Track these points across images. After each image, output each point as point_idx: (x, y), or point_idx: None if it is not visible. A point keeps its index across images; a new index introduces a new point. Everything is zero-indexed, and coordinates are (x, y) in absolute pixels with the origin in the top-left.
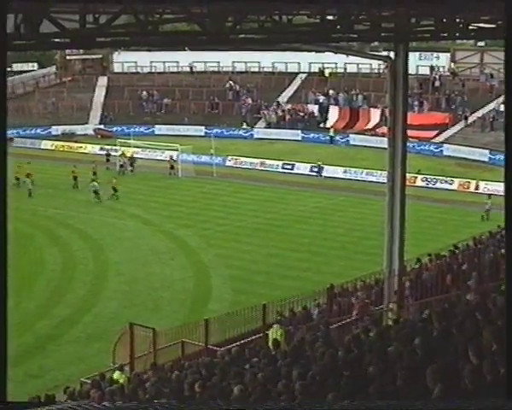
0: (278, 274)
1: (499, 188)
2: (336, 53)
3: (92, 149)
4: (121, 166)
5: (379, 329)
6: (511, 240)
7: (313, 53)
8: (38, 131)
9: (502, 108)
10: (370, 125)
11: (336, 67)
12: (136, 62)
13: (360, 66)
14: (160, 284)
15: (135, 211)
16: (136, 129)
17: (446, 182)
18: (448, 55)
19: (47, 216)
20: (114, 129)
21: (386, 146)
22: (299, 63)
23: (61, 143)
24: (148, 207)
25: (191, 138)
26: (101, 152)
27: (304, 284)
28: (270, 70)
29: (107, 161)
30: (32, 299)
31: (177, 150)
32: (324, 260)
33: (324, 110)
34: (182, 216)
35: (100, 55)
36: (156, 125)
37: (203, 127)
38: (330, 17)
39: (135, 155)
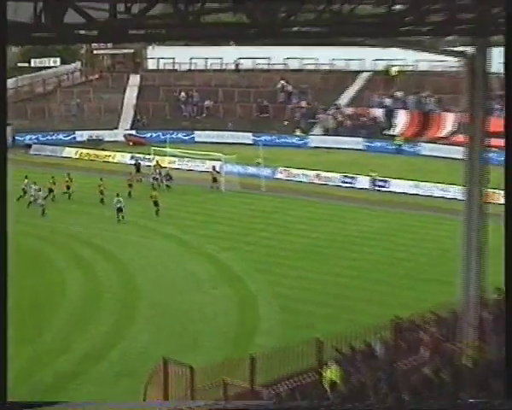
0: (335, 305)
1: None
2: (405, 48)
3: (122, 158)
4: (155, 178)
5: (453, 370)
6: (511, 240)
7: (378, 48)
8: (60, 136)
9: None
10: (444, 133)
11: (405, 65)
12: (173, 58)
13: (433, 63)
14: (198, 314)
15: (170, 230)
16: (173, 135)
17: None
18: None
19: (69, 234)
20: (148, 135)
21: (462, 157)
22: (361, 60)
23: (87, 150)
24: (186, 225)
25: (236, 146)
26: (133, 162)
27: (364, 316)
28: (329, 68)
29: (138, 171)
30: (50, 330)
31: (220, 160)
32: (389, 289)
33: (390, 115)
34: (224, 237)
35: (132, 50)
36: (196, 131)
37: (250, 134)
38: (398, 6)
39: (171, 166)
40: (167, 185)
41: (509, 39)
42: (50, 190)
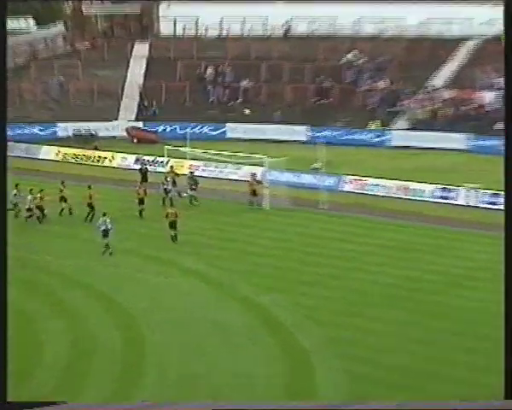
0: (423, 371)
1: None
2: None
3: (123, 160)
4: (166, 190)
5: None
6: (511, 240)
7: (489, 6)
8: (36, 130)
9: None
10: None
11: None
12: (196, 19)
13: None
14: (232, 380)
15: (191, 264)
16: (196, 129)
17: None
18: None
19: (49, 270)
20: (160, 129)
21: None
22: (465, 22)
23: (73, 150)
24: (213, 256)
25: (285, 145)
26: (138, 166)
27: (466, 388)
28: (418, 34)
29: (144, 180)
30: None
31: (262, 165)
32: (499, 349)
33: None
34: (267, 273)
35: (137, 10)
36: (228, 124)
37: (305, 127)
38: None
39: (192, 172)
40: (190, 197)
41: (509, 39)
42: (41, 210)
